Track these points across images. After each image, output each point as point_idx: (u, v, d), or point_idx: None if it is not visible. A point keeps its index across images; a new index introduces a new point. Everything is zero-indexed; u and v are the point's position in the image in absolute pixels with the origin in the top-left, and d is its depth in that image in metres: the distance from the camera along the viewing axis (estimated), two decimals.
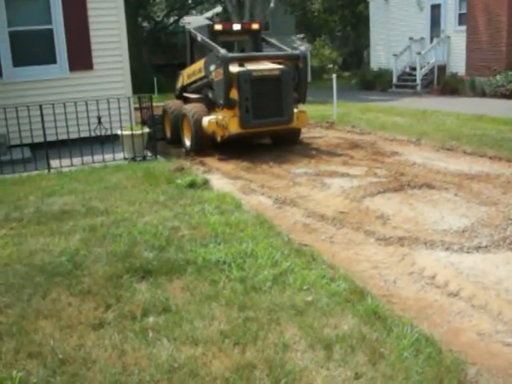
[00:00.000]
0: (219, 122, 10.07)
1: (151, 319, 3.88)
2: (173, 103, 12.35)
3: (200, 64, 11.14)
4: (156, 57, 36.32)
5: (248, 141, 11.18)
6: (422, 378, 3.19)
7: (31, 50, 11.14)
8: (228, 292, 4.23)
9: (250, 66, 10.36)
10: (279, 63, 10.83)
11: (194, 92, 11.71)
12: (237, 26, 11.45)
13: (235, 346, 3.52)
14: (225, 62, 9.94)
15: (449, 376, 3.21)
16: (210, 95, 10.77)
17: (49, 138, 9.24)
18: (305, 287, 4.27)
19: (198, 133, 10.51)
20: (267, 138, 11.69)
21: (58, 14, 11.09)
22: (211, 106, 10.80)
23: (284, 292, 4.22)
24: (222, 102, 10.15)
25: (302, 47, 11.16)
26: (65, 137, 9.30)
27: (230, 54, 10.29)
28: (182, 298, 4.20)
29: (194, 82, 11.66)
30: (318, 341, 3.55)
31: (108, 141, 9.54)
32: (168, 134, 12.40)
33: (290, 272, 4.56)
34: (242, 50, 12.95)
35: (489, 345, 3.68)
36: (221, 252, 4.97)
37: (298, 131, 11.31)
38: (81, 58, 11.26)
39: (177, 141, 11.73)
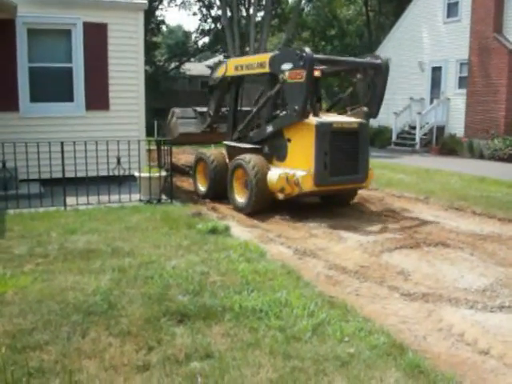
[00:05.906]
0: (290, 178, 8.92)
1: (196, 364, 3.89)
2: (212, 153, 10.96)
3: (262, 58, 9.95)
4: (155, 101, 36.71)
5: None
6: None
7: (49, 86, 11.28)
8: (269, 340, 4.26)
9: (326, 118, 9.35)
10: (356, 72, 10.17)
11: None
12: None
13: None
14: (310, 63, 8.82)
15: None
16: (272, 99, 9.78)
17: (58, 175, 9.29)
18: (346, 339, 4.31)
19: (261, 190, 9.18)
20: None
21: (79, 53, 11.27)
22: (268, 158, 9.75)
23: (325, 343, 4.26)
24: (297, 108, 8.94)
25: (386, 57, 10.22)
26: (80, 174, 9.38)
27: (315, 55, 9.14)
28: (224, 344, 4.21)
29: (246, 75, 10.58)
30: None
31: (114, 181, 9.55)
32: (202, 187, 11.02)
33: (328, 323, 4.60)
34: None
35: None
36: (256, 300, 5.01)
37: (356, 191, 10.32)
38: (98, 99, 11.42)
39: (217, 197, 10.50)
